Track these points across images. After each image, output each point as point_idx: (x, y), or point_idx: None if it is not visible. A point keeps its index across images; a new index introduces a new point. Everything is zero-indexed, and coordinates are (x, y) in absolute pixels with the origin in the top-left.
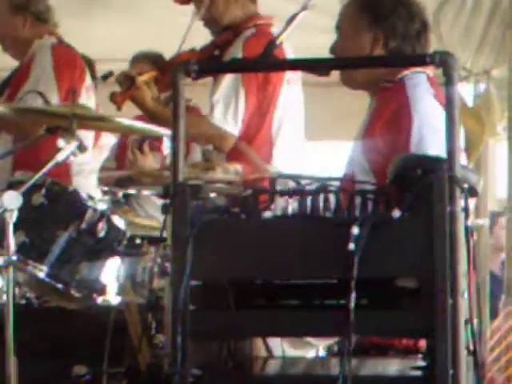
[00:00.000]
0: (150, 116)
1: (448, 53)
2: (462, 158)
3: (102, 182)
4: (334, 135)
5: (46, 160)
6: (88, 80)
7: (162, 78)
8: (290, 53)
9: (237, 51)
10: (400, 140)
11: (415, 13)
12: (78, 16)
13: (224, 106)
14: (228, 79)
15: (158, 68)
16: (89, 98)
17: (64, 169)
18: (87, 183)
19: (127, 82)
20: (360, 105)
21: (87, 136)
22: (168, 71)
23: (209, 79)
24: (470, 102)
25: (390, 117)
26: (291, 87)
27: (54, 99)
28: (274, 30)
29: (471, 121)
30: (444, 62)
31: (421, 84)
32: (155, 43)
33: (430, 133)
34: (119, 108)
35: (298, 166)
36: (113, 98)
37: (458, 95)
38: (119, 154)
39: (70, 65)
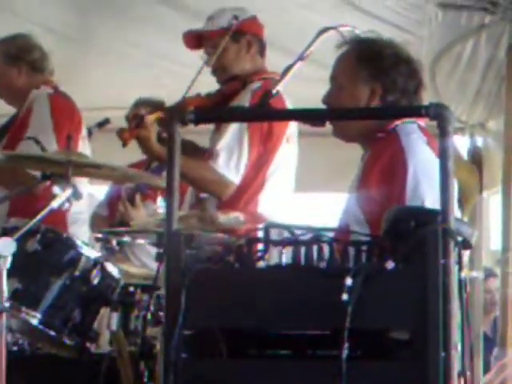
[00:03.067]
0: (153, 156)
1: (443, 105)
2: (456, 211)
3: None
4: (330, 186)
5: (42, 207)
6: (84, 130)
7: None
8: (288, 103)
9: (244, 102)
10: (395, 187)
11: (415, 70)
12: (75, 63)
13: (228, 154)
14: (233, 128)
15: (163, 110)
16: (85, 148)
17: (60, 217)
18: (80, 233)
19: (135, 120)
20: (356, 156)
21: (83, 184)
22: None
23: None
24: (464, 155)
25: (385, 166)
26: (289, 145)
27: (53, 149)
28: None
29: (465, 173)
30: (439, 114)
31: (414, 132)
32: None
33: (425, 179)
34: (125, 145)
35: (287, 217)
36: (120, 134)
37: (452, 147)
38: (112, 202)
39: (68, 114)
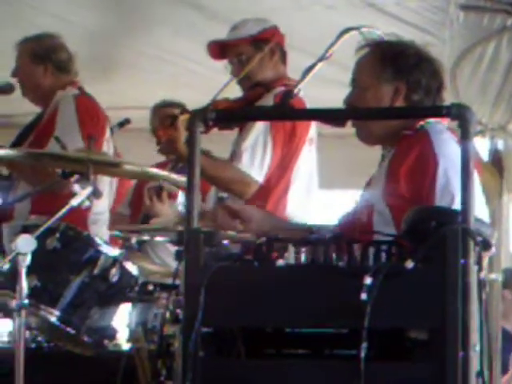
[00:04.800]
0: (180, 157)
1: (465, 106)
2: (484, 211)
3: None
4: (347, 184)
5: (63, 205)
6: (108, 132)
7: None
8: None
9: (268, 102)
10: (425, 184)
11: (437, 70)
12: (96, 63)
13: (251, 154)
14: (257, 130)
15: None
16: (109, 150)
17: (81, 217)
18: (101, 233)
19: (168, 119)
20: (374, 155)
21: (103, 183)
22: None
23: None
24: (485, 157)
25: (414, 162)
26: (311, 147)
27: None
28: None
29: (487, 175)
30: (461, 114)
31: (444, 131)
32: (172, 91)
33: (455, 176)
34: (160, 142)
35: (310, 216)
36: (156, 131)
37: (473, 149)
38: (134, 201)
39: (93, 116)
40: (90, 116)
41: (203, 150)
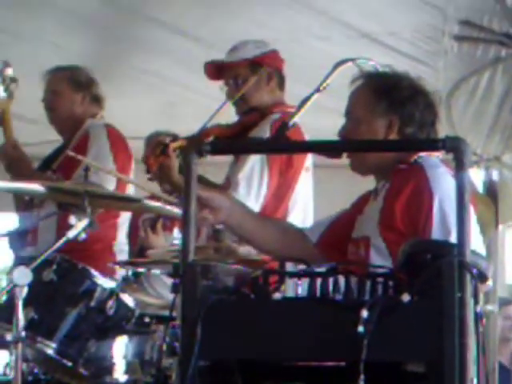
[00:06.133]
0: (172, 186)
1: (460, 138)
2: (479, 243)
3: None
4: None
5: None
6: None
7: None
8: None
9: (264, 131)
10: (421, 219)
11: (431, 102)
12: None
13: (248, 183)
14: (253, 158)
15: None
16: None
17: (108, 246)
18: None
19: (160, 147)
20: (368, 187)
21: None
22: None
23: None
24: (479, 188)
25: (410, 197)
26: (308, 173)
27: (111, 178)
28: None
29: (482, 206)
30: (455, 147)
31: (439, 165)
32: (168, 120)
33: (452, 211)
34: (150, 171)
35: None
36: (146, 160)
37: (468, 181)
38: (131, 234)
39: (124, 147)
40: (122, 147)
41: (199, 176)
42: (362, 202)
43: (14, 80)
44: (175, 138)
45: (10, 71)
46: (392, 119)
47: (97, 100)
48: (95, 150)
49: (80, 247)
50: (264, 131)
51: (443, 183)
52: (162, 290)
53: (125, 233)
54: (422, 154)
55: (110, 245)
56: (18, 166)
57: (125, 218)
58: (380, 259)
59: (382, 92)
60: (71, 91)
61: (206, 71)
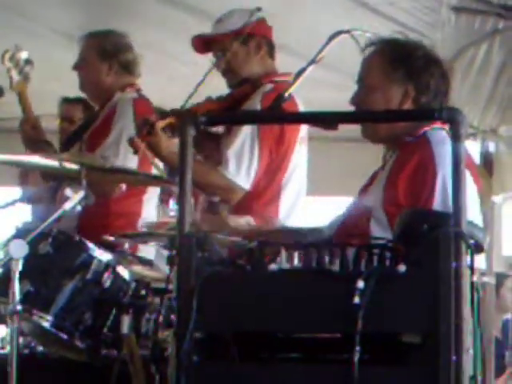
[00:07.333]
0: (163, 162)
1: (456, 109)
2: (475, 215)
3: None
4: (338, 191)
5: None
6: None
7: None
8: (301, 106)
9: (255, 104)
10: (423, 194)
11: (445, 72)
12: None
13: (238, 159)
14: (244, 134)
15: (175, 115)
16: None
17: (133, 222)
18: None
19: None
20: (365, 160)
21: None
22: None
23: None
24: (476, 160)
25: (413, 171)
26: (302, 147)
27: (132, 156)
28: None
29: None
30: (452, 117)
31: (446, 140)
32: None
33: None
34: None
35: (300, 220)
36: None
37: (464, 151)
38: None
39: None
40: None
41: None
42: (374, 176)
43: (28, 62)
44: (163, 114)
45: (23, 54)
46: (408, 88)
47: (127, 67)
48: (119, 126)
49: (103, 223)
50: (255, 104)
51: (448, 160)
52: (158, 262)
53: (153, 207)
54: (435, 125)
55: (133, 221)
56: (36, 146)
57: (152, 194)
58: (380, 231)
59: (398, 60)
60: (97, 60)
61: (194, 45)
